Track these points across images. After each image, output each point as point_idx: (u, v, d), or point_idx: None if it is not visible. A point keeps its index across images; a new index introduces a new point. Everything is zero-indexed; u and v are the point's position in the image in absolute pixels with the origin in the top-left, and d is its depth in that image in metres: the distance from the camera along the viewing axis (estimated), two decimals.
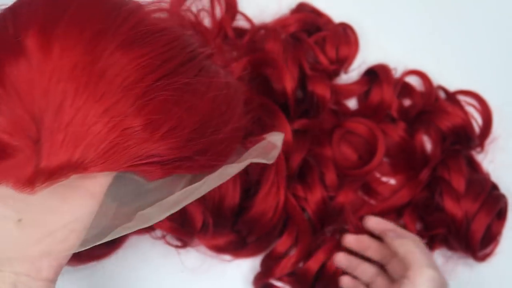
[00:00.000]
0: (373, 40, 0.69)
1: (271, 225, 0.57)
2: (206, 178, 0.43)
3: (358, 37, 0.68)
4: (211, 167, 0.43)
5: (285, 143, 0.59)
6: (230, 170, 0.44)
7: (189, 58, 0.41)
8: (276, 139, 0.49)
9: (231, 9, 0.67)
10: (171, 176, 0.42)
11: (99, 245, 0.57)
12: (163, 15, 0.61)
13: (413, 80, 0.68)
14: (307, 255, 0.60)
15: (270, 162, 0.47)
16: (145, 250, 0.61)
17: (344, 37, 0.66)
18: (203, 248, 0.61)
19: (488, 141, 0.66)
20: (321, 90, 0.61)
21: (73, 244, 0.37)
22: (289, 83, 0.59)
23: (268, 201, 0.56)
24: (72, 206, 0.37)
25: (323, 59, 0.64)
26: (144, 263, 0.61)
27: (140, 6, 0.41)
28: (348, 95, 0.67)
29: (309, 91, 0.62)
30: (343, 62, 0.66)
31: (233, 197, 0.57)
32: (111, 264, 0.60)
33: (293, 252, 0.59)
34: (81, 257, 0.58)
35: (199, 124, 0.40)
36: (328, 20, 0.68)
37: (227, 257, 0.61)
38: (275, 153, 0.47)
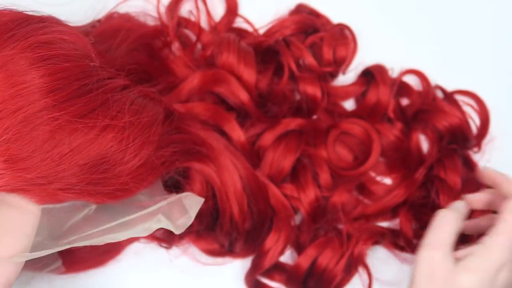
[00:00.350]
0: (371, 40, 0.69)
1: (245, 233, 0.58)
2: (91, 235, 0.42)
3: (356, 37, 0.68)
4: (111, 198, 0.42)
5: (240, 146, 0.59)
6: (121, 235, 0.42)
7: (83, 92, 0.39)
8: (191, 203, 0.47)
9: (231, 12, 0.68)
10: (68, 203, 0.41)
11: (96, 252, 0.58)
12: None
13: (411, 80, 0.68)
14: (291, 242, 0.60)
15: (178, 231, 0.45)
16: (140, 254, 0.62)
17: (342, 38, 0.67)
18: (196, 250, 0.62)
19: (485, 141, 0.66)
20: (311, 90, 0.62)
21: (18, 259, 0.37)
22: (244, 96, 0.60)
23: (231, 222, 0.57)
24: (10, 224, 0.37)
25: (311, 62, 0.64)
26: (139, 267, 0.62)
27: (42, 28, 0.39)
28: (345, 97, 0.67)
29: (301, 91, 0.62)
30: (340, 63, 0.67)
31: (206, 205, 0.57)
32: (106, 271, 0.61)
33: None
34: (77, 265, 0.59)
35: (86, 161, 0.38)
36: (326, 21, 0.68)
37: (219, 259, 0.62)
38: (186, 222, 0.46)
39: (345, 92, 0.66)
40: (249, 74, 0.61)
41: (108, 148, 0.39)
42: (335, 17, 0.69)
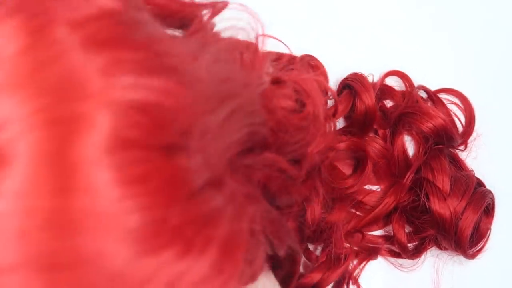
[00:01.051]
0: (350, 47, 0.68)
1: None
2: None
3: (321, 63, 0.66)
4: None
5: None
6: None
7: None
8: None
9: None
10: None
11: None
12: None
13: (394, 82, 0.67)
14: None
15: None
16: None
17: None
18: None
19: (471, 139, 0.66)
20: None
21: None
22: None
23: None
24: None
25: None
26: None
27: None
28: (337, 116, 0.65)
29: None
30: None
31: None
32: None
33: None
34: None
35: None
36: (290, 57, 0.64)
37: None
38: None
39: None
40: None
41: None
42: (314, 20, 0.67)
